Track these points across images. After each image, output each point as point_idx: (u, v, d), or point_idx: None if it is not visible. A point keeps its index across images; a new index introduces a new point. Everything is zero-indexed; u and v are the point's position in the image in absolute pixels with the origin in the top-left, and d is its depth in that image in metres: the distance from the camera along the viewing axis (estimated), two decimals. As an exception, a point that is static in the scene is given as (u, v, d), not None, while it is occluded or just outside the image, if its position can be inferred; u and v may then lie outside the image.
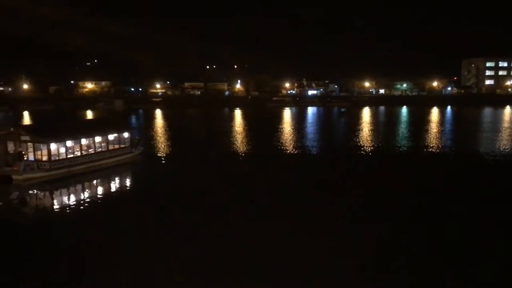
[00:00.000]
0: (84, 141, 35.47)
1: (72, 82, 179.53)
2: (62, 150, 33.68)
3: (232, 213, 23.75)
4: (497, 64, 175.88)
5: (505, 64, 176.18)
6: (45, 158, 32.57)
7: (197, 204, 25.84)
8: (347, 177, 33.51)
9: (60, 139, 33.62)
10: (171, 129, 69.82)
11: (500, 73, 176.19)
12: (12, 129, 33.79)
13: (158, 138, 57.15)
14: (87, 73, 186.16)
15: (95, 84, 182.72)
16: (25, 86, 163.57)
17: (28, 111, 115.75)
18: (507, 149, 46.75)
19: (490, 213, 23.92)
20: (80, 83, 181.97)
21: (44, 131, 34.16)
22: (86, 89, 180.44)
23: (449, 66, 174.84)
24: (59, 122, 59.81)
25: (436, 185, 30.70)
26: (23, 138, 32.83)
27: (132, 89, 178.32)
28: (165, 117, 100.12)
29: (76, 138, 34.87)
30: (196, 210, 24.53)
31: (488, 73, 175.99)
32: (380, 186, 29.78)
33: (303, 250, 18.75)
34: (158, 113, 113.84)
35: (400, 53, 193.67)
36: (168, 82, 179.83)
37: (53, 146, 32.87)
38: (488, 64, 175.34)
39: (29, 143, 33.02)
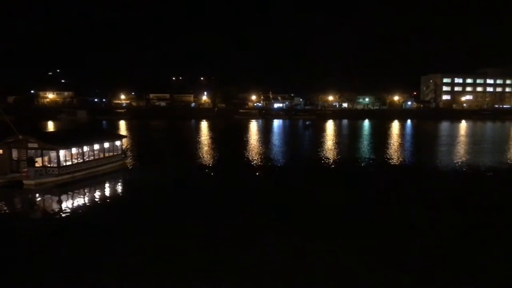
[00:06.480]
0: (85, 149, 37.64)
1: (32, 91, 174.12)
2: (68, 156, 35.76)
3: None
4: (453, 80, 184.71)
5: (460, 81, 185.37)
6: (53, 164, 34.58)
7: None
8: (312, 184, 34.50)
9: (68, 146, 35.78)
10: (136, 140, 69.03)
11: (456, 89, 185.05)
12: (20, 136, 34.53)
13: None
14: (48, 83, 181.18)
15: (57, 94, 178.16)
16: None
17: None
18: (465, 160, 49.22)
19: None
20: (41, 93, 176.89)
21: (52, 139, 36.58)
22: (48, 99, 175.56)
23: (409, 82, 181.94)
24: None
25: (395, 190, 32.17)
26: (31, 145, 34.29)
27: (96, 100, 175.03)
28: (129, 128, 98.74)
29: (79, 145, 37.02)
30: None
31: (445, 88, 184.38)
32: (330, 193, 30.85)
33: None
34: (122, 124, 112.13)
35: (363, 68, 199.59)
36: (133, 93, 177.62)
37: (61, 153, 34.76)
38: (445, 80, 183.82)
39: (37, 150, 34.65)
